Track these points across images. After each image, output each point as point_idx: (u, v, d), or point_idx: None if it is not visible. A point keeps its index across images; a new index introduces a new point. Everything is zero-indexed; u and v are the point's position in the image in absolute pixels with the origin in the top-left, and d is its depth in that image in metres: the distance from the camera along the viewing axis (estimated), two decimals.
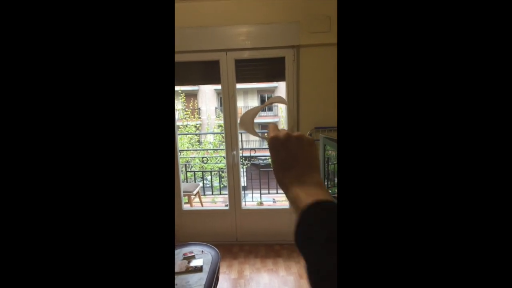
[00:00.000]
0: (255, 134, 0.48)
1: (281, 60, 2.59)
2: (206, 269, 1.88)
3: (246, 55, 2.60)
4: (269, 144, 0.39)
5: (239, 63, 2.62)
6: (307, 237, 0.31)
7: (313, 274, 0.29)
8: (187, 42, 2.51)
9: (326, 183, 2.09)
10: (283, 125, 5.26)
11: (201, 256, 2.02)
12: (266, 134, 0.41)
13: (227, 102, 2.70)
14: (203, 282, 1.75)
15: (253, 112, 0.47)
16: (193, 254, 2.03)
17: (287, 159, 0.38)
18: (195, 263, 1.92)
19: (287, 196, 0.38)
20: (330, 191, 1.99)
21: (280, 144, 0.38)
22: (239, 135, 2.84)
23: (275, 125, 0.42)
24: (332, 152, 1.99)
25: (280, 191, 5.02)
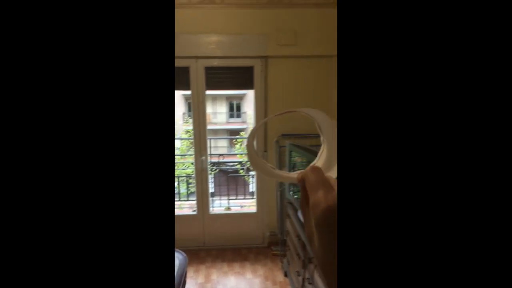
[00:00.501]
0: (268, 173, 0.32)
1: (250, 69, 2.69)
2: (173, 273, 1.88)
3: (216, 63, 2.66)
4: (320, 217, 0.24)
5: (209, 70, 2.68)
6: None
7: None
8: None
9: (292, 189, 2.20)
10: (250, 126, 5.24)
11: None
12: (308, 191, 0.26)
13: (196, 108, 2.73)
14: None
15: (252, 135, 0.34)
16: None
17: None
18: None
19: None
20: (295, 196, 2.09)
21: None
22: (208, 140, 2.87)
23: (320, 171, 0.26)
24: (298, 159, 2.10)
25: (248, 196, 4.92)
